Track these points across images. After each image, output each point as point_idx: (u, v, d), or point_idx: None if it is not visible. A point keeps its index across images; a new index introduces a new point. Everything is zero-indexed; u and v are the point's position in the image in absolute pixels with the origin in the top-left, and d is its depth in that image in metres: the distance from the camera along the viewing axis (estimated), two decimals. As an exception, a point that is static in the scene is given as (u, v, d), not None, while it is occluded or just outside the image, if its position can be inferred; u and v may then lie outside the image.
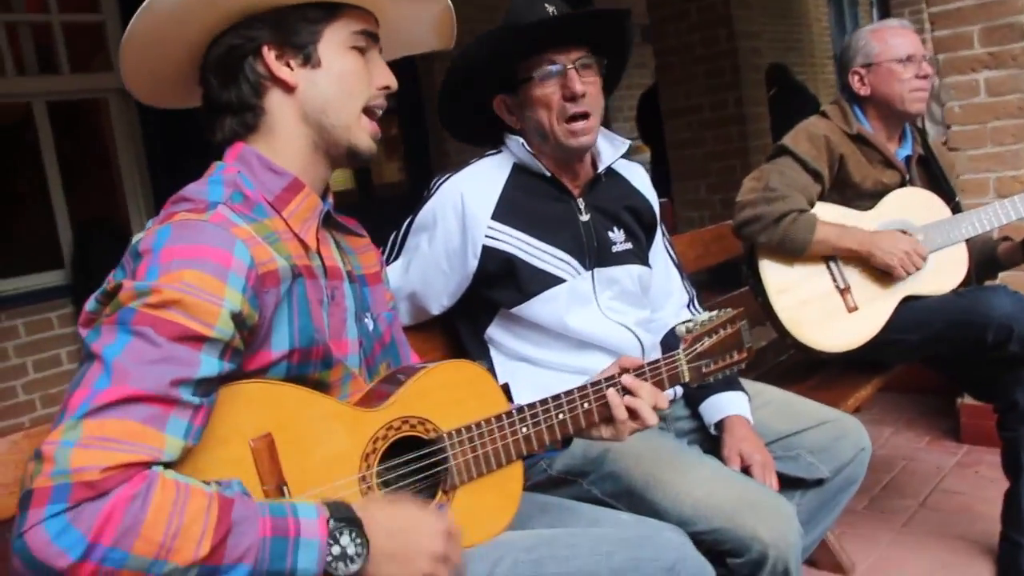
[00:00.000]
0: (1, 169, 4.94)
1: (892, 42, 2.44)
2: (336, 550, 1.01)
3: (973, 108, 3.01)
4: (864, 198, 2.44)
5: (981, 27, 2.92)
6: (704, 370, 1.49)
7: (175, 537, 0.91)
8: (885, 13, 7.81)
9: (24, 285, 4.62)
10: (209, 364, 1.01)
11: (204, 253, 1.04)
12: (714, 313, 1.53)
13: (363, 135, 1.27)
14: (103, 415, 0.94)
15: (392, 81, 1.30)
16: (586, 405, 1.36)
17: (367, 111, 1.27)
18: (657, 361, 1.44)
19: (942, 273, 2.38)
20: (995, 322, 2.21)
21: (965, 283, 2.44)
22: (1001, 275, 2.80)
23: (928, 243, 2.34)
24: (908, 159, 2.53)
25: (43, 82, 4.69)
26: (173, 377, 0.98)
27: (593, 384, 1.37)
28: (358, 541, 1.02)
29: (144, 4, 1.15)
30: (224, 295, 1.03)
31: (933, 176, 2.57)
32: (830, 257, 2.37)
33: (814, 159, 2.37)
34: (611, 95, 1.92)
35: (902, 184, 2.48)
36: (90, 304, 1.07)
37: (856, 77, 2.49)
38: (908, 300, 2.36)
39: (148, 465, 0.94)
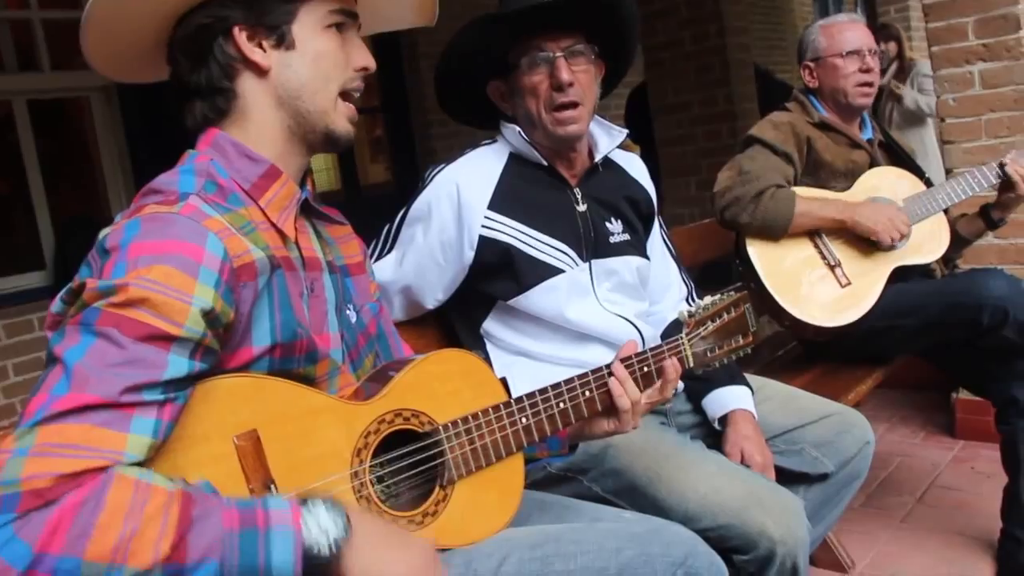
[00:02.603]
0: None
1: (838, 37, 2.52)
2: (313, 527, 0.94)
3: (968, 100, 2.99)
4: (838, 178, 2.47)
5: (975, 18, 2.91)
6: (708, 355, 1.45)
7: (131, 539, 0.85)
8: (871, 9, 7.81)
9: (5, 287, 4.52)
10: (178, 364, 0.95)
11: (173, 248, 0.99)
12: (717, 296, 1.49)
13: (341, 119, 1.21)
14: (59, 421, 0.88)
15: (370, 62, 1.24)
16: (587, 393, 1.32)
17: (344, 94, 1.22)
18: (660, 346, 1.40)
19: (927, 243, 2.43)
20: (990, 303, 2.21)
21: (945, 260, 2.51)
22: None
23: (909, 216, 2.36)
24: (870, 142, 2.58)
25: (23, 80, 4.58)
26: (137, 381, 0.92)
27: (594, 371, 1.33)
28: (338, 520, 0.96)
29: None
30: (194, 292, 0.97)
31: (898, 157, 2.62)
32: (816, 235, 2.37)
33: (782, 143, 2.41)
34: (616, 85, 1.88)
35: (871, 164, 2.53)
36: (55, 305, 1.01)
37: (807, 71, 2.59)
38: (899, 275, 2.36)
39: (105, 470, 0.88)
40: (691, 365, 1.43)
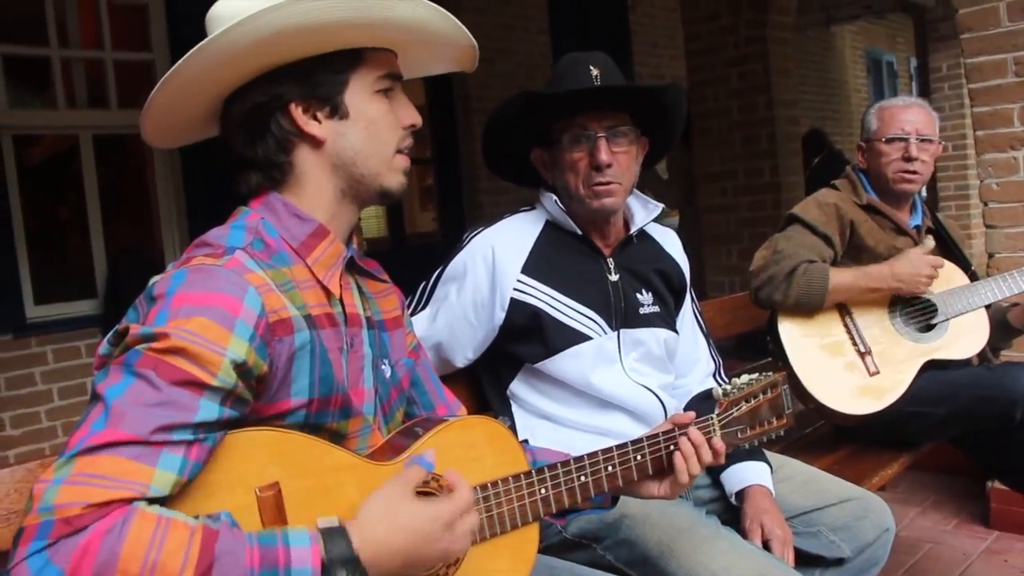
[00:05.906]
0: (44, 198, 5.04)
1: (887, 121, 2.48)
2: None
3: (1012, 185, 2.97)
4: (879, 263, 2.43)
5: (1022, 105, 2.91)
6: (740, 435, 1.44)
7: (153, 571, 0.89)
8: (924, 85, 7.80)
9: (56, 313, 4.67)
10: (208, 409, 1.00)
11: (213, 300, 1.04)
12: (754, 376, 1.48)
13: (394, 176, 1.26)
14: (94, 453, 0.94)
15: (417, 119, 1.28)
16: (610, 468, 1.33)
17: (398, 152, 1.27)
18: (686, 426, 1.40)
19: (963, 338, 2.38)
20: (1023, 398, 2.17)
21: (981, 354, 2.43)
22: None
23: (948, 309, 2.33)
24: (918, 228, 2.54)
25: (92, 116, 4.79)
26: (169, 422, 0.97)
27: (619, 447, 1.34)
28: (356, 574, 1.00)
29: (167, 75, 1.15)
30: (228, 344, 1.02)
31: (945, 246, 2.58)
32: (849, 319, 2.35)
33: (823, 224, 2.39)
34: (659, 160, 1.92)
35: None
36: (103, 347, 1.07)
37: (859, 151, 2.58)
38: (931, 367, 2.33)
39: (131, 501, 0.93)
40: None
